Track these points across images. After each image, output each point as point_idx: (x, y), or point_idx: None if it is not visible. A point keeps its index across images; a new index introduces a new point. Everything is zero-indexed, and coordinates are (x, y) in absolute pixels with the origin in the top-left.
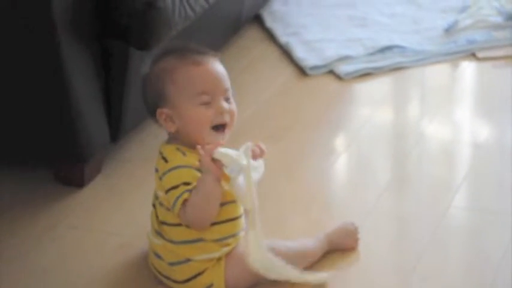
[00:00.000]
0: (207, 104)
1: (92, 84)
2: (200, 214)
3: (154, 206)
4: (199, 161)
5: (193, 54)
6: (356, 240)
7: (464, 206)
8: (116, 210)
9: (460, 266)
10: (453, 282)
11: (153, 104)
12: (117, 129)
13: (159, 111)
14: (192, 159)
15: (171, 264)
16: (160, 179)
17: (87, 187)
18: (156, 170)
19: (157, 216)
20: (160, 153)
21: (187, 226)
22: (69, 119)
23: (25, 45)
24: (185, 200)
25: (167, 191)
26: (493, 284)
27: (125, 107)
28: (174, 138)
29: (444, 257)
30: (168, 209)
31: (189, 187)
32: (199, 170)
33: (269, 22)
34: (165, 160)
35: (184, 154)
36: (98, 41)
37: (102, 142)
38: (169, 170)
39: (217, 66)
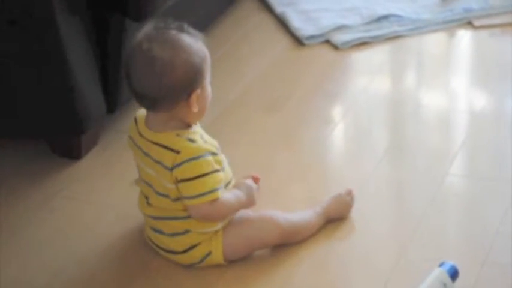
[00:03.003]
0: None
1: (88, 55)
2: (224, 214)
3: (143, 193)
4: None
5: (190, 31)
6: (350, 208)
7: (462, 173)
8: (113, 182)
9: (458, 233)
10: (451, 249)
11: (184, 87)
12: (114, 100)
13: (196, 93)
14: (199, 141)
15: (172, 235)
16: (170, 170)
17: (84, 159)
18: (158, 162)
19: (148, 202)
20: (157, 143)
21: (200, 220)
22: (66, 90)
23: (21, 18)
24: (215, 199)
25: (183, 181)
26: (490, 250)
27: (121, 78)
28: (161, 124)
29: (441, 225)
30: (173, 199)
31: (218, 188)
32: (211, 152)
33: None
34: (176, 151)
35: (192, 141)
36: (94, 12)
37: (98, 113)
38: (187, 160)
39: None
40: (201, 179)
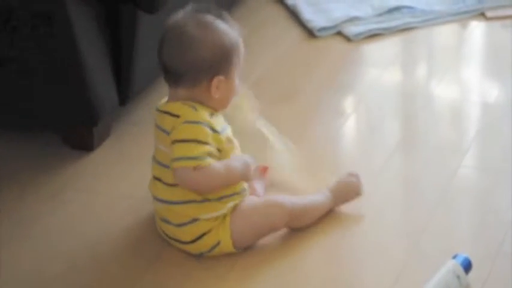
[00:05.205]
0: None
1: (101, 47)
2: (211, 184)
3: (153, 175)
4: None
5: (229, 20)
6: (359, 188)
7: (474, 165)
8: (125, 174)
9: (470, 225)
10: (463, 242)
11: (207, 67)
12: (126, 92)
13: (218, 78)
14: (203, 113)
15: (179, 225)
16: (169, 133)
17: (96, 151)
18: (164, 131)
19: (159, 180)
20: (166, 112)
21: (182, 185)
22: (78, 82)
23: (33, 8)
24: (199, 166)
25: (176, 142)
26: (503, 243)
27: (134, 69)
28: (179, 99)
29: (454, 217)
30: (169, 168)
31: (211, 153)
32: (212, 127)
33: None
34: (176, 116)
35: (195, 109)
36: (106, 3)
37: (111, 105)
38: (184, 122)
39: None
40: (192, 144)
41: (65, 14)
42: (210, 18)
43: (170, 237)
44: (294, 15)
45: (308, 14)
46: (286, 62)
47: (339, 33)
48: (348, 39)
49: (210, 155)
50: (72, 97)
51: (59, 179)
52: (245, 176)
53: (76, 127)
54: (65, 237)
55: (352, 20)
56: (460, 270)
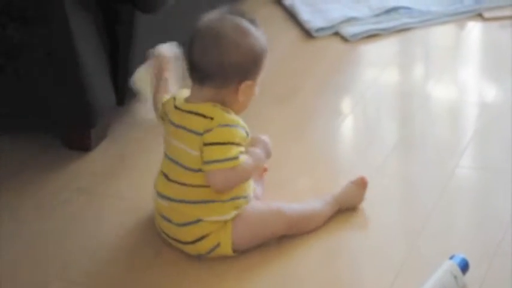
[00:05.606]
0: None
1: (98, 48)
2: (244, 179)
3: (162, 172)
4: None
5: (259, 26)
6: (362, 198)
7: (472, 165)
8: (123, 174)
9: (468, 225)
10: (461, 242)
11: (239, 71)
12: (124, 93)
13: (246, 83)
14: (234, 116)
15: (181, 225)
16: (201, 135)
17: (94, 151)
18: (190, 131)
19: (168, 178)
20: (192, 112)
21: (216, 187)
22: (76, 83)
23: (31, 11)
24: (237, 165)
25: (211, 144)
26: (501, 242)
27: (131, 70)
28: (202, 100)
29: (452, 217)
30: (195, 170)
31: (243, 152)
32: (246, 130)
33: None
34: (209, 118)
35: (227, 111)
36: (104, 4)
37: (108, 106)
38: (220, 125)
39: None
40: (229, 146)
41: (63, 15)
42: (245, 22)
43: (169, 237)
44: (291, 15)
45: (305, 14)
46: (284, 63)
47: (337, 34)
48: (345, 39)
49: (242, 153)
50: (70, 98)
51: (56, 179)
52: (268, 156)
53: (74, 128)
54: (63, 238)
55: (350, 20)
56: (457, 271)
